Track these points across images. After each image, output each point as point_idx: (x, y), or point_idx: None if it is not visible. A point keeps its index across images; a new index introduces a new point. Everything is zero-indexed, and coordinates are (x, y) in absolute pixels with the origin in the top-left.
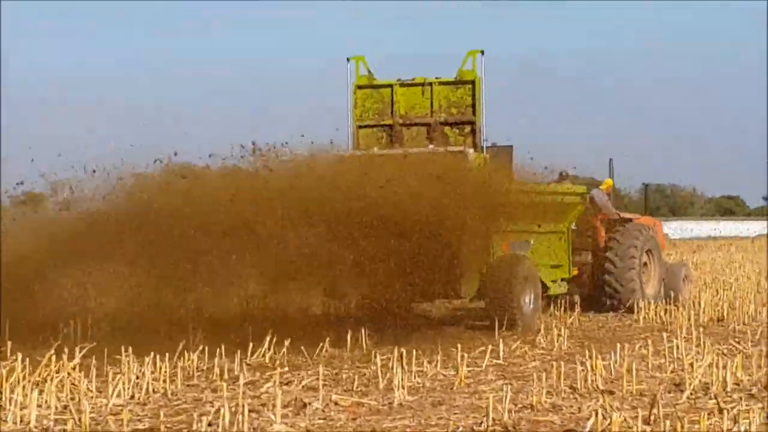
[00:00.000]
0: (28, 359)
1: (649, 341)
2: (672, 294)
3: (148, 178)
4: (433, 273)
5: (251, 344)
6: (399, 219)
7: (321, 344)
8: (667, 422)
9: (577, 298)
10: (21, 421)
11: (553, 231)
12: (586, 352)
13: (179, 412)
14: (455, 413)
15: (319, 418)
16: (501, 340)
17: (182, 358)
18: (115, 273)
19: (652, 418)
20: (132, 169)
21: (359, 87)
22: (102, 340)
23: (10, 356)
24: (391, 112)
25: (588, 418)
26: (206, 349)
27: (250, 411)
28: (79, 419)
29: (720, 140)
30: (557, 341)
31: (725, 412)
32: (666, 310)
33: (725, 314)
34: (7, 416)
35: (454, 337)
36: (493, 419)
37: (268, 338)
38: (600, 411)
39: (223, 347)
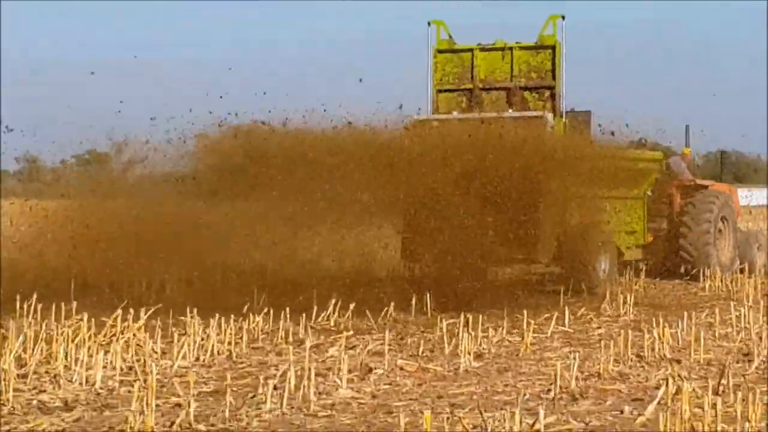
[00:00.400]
0: (93, 320)
1: (716, 310)
2: (746, 262)
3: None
4: (512, 237)
5: (315, 307)
6: (480, 184)
7: (385, 309)
8: (738, 393)
9: (645, 265)
10: (86, 382)
11: (629, 197)
12: (653, 320)
13: (244, 375)
14: (521, 380)
15: (385, 384)
16: (567, 307)
17: (247, 321)
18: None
19: (721, 388)
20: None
21: (440, 51)
22: (167, 300)
23: (76, 316)
24: (471, 77)
25: (656, 387)
26: (271, 311)
27: (315, 375)
28: (145, 381)
29: None
30: (623, 309)
31: None
32: (732, 278)
33: None
34: (72, 376)
35: (520, 304)
36: (560, 387)
37: (332, 301)
38: (669, 380)
39: (287, 310)
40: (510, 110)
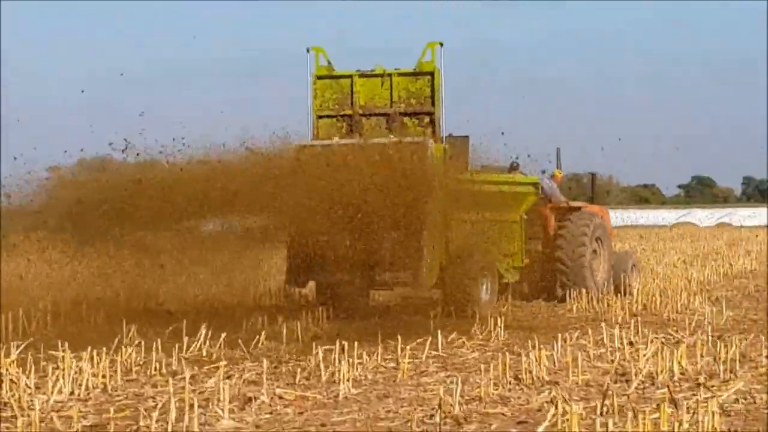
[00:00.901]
0: None
1: (589, 331)
2: (621, 281)
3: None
4: (396, 262)
5: (186, 338)
6: (362, 209)
7: (257, 337)
8: (629, 414)
9: (522, 287)
10: None
11: (507, 220)
12: (528, 342)
13: (122, 408)
14: (403, 406)
15: (266, 413)
16: (439, 332)
17: (119, 353)
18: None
19: (605, 409)
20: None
21: (319, 77)
22: (36, 334)
23: None
24: (351, 103)
25: (539, 410)
26: (142, 343)
27: (196, 406)
28: (29, 416)
29: (634, 129)
30: (494, 332)
31: (679, 401)
32: (599, 299)
33: (657, 303)
34: None
35: (391, 328)
36: (444, 412)
37: (203, 331)
38: (557, 402)
39: (159, 341)
40: (390, 136)
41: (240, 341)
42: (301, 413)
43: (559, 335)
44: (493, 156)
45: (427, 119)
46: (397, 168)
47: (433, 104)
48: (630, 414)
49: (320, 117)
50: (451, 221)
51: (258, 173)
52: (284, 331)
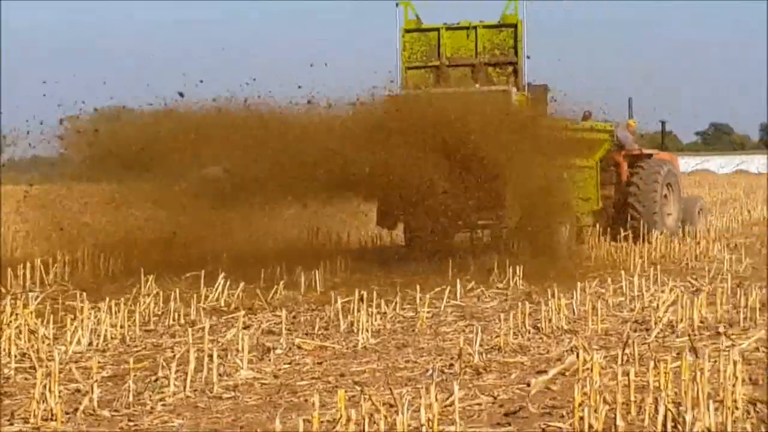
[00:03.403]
0: None
1: (609, 279)
2: (689, 224)
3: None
4: (480, 201)
5: (204, 288)
6: (451, 151)
7: (276, 287)
8: (650, 362)
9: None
10: None
11: (583, 166)
12: (547, 291)
13: (141, 359)
14: (422, 356)
15: (285, 363)
16: (458, 281)
17: (137, 304)
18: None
19: (625, 358)
20: None
21: (407, 31)
22: (54, 284)
23: None
24: (438, 54)
25: (558, 359)
26: (160, 293)
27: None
28: (47, 367)
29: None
30: (512, 281)
31: (700, 350)
32: (618, 247)
33: (676, 251)
34: None
35: (410, 277)
36: (463, 361)
37: (221, 281)
38: (578, 351)
39: (177, 291)
40: (477, 85)
41: (258, 291)
42: (320, 363)
43: (578, 284)
44: (568, 105)
45: (510, 69)
46: (484, 115)
47: (516, 54)
48: (651, 363)
49: (409, 68)
50: (533, 166)
51: (350, 126)
52: (302, 281)
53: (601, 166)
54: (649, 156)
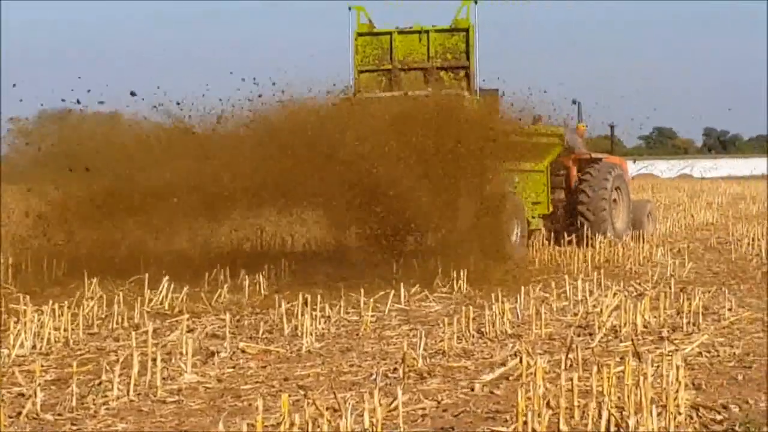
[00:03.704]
0: None
1: (552, 283)
2: (639, 228)
3: None
4: (432, 206)
5: (147, 291)
6: (403, 155)
7: (219, 290)
8: (593, 367)
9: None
10: None
11: (533, 169)
12: (491, 295)
13: (84, 362)
14: (366, 360)
15: (229, 367)
16: (401, 285)
17: (80, 307)
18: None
19: (569, 363)
20: None
21: (360, 34)
22: None
23: None
24: (390, 58)
25: (502, 364)
26: (104, 296)
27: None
28: None
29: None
30: (456, 285)
31: (643, 355)
32: (561, 252)
33: (620, 255)
34: None
35: (354, 281)
36: (407, 366)
37: (165, 284)
38: (522, 356)
39: (121, 294)
40: (429, 89)
41: (202, 294)
42: (264, 367)
43: (522, 288)
44: (518, 108)
45: (462, 73)
46: (436, 118)
47: (468, 59)
48: (594, 368)
49: (361, 72)
50: (485, 170)
51: (300, 125)
52: (246, 285)
53: (551, 170)
54: (599, 160)
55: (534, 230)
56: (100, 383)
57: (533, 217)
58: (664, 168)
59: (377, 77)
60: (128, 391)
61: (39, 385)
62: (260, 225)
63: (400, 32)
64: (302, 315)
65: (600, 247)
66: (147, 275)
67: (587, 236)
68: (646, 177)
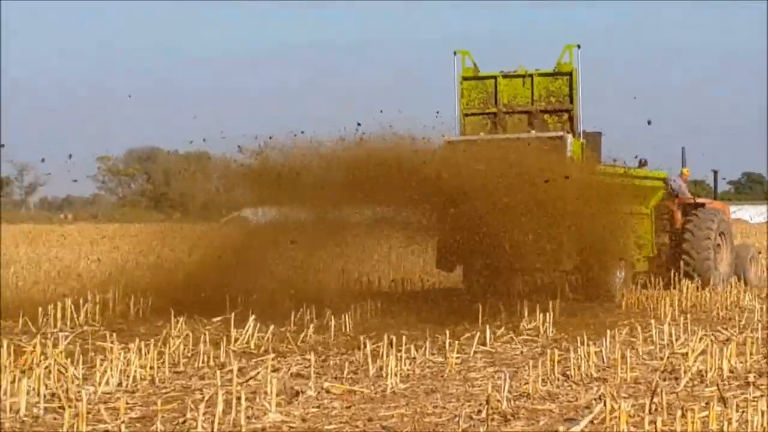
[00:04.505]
0: (12, 346)
1: (638, 327)
2: (742, 272)
3: None
4: (536, 248)
5: (233, 330)
6: (507, 200)
7: (305, 330)
8: (678, 412)
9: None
10: (10, 410)
11: (638, 212)
12: (577, 338)
13: (169, 400)
14: (450, 401)
15: (313, 407)
16: (487, 327)
17: (166, 345)
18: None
19: (653, 407)
20: None
21: (465, 78)
22: (84, 324)
23: None
24: (495, 101)
25: (587, 407)
26: (190, 335)
27: (243, 399)
28: (75, 407)
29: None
30: (542, 327)
31: (728, 400)
32: (648, 296)
33: (707, 300)
34: None
35: (439, 323)
36: (491, 408)
37: (251, 324)
38: (606, 399)
39: (207, 333)
40: (532, 131)
41: (288, 334)
42: (348, 407)
43: (608, 331)
44: (622, 152)
45: (565, 116)
46: (540, 160)
47: (571, 102)
48: (679, 412)
49: (467, 115)
50: (588, 211)
51: (408, 167)
52: (332, 325)
53: (656, 214)
54: (703, 205)
55: (639, 272)
56: (184, 421)
57: (638, 259)
58: (754, 213)
59: (482, 120)
60: (212, 430)
61: (123, 422)
62: (344, 266)
63: (505, 76)
64: (387, 356)
65: (687, 292)
66: (233, 314)
67: (688, 279)
68: (736, 222)
